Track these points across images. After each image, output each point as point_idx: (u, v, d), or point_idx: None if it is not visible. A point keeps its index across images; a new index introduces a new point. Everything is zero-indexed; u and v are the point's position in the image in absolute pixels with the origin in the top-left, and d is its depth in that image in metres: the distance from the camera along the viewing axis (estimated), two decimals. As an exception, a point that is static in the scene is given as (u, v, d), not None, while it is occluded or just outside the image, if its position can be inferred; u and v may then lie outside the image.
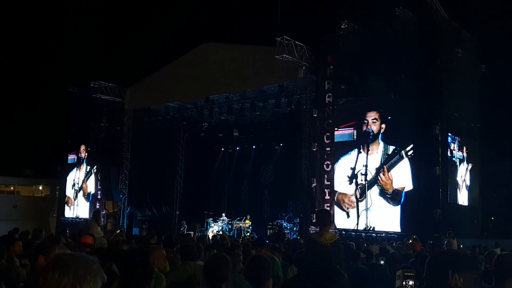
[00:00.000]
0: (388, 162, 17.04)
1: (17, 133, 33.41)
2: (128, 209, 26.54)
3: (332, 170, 18.59)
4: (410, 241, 13.59)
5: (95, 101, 25.56)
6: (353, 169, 17.78)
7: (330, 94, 18.75)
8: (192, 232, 17.46)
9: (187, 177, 27.14)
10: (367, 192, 17.37)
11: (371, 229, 17.02)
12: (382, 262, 7.93)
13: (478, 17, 18.03)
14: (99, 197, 26.27)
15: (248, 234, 21.19)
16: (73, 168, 28.22)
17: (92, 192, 26.65)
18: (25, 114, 33.60)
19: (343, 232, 17.07)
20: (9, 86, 32.74)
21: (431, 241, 14.55)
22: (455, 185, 17.84)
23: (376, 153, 17.49)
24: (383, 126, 17.43)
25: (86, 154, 27.56)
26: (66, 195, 28.44)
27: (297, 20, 22.14)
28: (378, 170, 17.21)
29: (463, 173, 18.42)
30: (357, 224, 17.51)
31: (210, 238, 14.71)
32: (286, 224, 21.89)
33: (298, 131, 20.69)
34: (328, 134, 18.76)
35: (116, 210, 26.73)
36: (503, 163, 19.38)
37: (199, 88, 22.61)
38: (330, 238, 6.19)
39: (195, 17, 26.55)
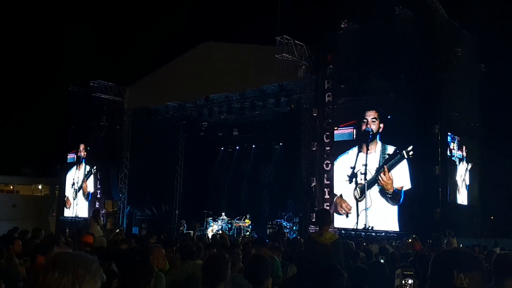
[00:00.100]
0: (389, 162, 17.05)
1: (17, 132, 33.39)
2: (128, 208, 26.52)
3: (332, 169, 18.60)
4: (410, 240, 13.58)
5: (94, 100, 25.53)
6: (353, 168, 17.81)
7: (329, 93, 18.74)
8: (191, 231, 17.52)
9: (187, 176, 27.15)
10: (367, 191, 17.38)
11: (370, 228, 17.05)
12: (382, 261, 7.93)
13: (478, 16, 18.03)
14: (98, 196, 26.23)
15: (248, 233, 21.19)
16: (73, 167, 28.20)
17: (91, 191, 26.63)
18: (25, 113, 33.59)
19: (343, 232, 17.09)
20: (9, 85, 32.80)
21: (431, 241, 14.57)
22: (455, 185, 17.82)
23: (375, 152, 17.51)
24: (381, 125, 17.44)
25: (86, 153, 27.53)
26: (65, 195, 28.44)
27: (297, 20, 22.16)
28: (378, 170, 17.22)
29: (462, 173, 18.41)
30: (357, 223, 17.56)
31: (210, 237, 14.69)
32: (286, 224, 21.88)
33: (297, 131, 20.68)
34: (327, 133, 18.76)
35: (115, 209, 26.70)
36: (502, 163, 19.38)
37: (199, 87, 22.58)
38: (330, 237, 6.20)
39: (194, 16, 26.55)
